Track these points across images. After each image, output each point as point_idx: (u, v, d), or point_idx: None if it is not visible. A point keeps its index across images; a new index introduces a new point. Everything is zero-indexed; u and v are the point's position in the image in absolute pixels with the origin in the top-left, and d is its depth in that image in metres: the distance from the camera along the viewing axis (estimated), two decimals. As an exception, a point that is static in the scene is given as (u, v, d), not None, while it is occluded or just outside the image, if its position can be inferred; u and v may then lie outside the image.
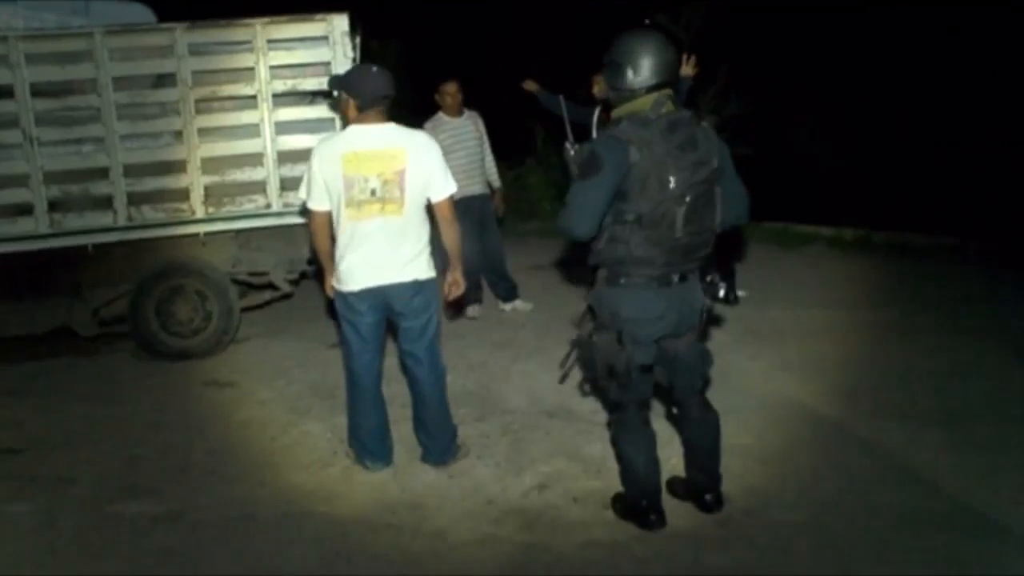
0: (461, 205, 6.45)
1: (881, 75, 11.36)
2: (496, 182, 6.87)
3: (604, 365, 3.37)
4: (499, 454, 4.37)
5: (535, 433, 4.59)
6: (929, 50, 10.99)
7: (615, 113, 3.33)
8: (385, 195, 3.83)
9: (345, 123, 4.00)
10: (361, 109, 3.84)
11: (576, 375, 4.72)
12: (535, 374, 5.46)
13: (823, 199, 10.48)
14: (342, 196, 3.82)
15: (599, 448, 4.33)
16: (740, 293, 3.54)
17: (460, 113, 6.54)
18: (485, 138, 6.70)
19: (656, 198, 3.14)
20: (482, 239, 6.60)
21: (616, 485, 3.76)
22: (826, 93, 11.36)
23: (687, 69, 5.20)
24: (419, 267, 4.01)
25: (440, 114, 6.52)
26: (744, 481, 3.95)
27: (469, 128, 6.54)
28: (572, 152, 3.33)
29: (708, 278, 3.43)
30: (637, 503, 3.60)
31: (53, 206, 5.71)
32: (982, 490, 3.86)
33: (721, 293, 3.42)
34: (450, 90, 6.45)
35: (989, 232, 8.86)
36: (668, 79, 3.25)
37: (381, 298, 3.98)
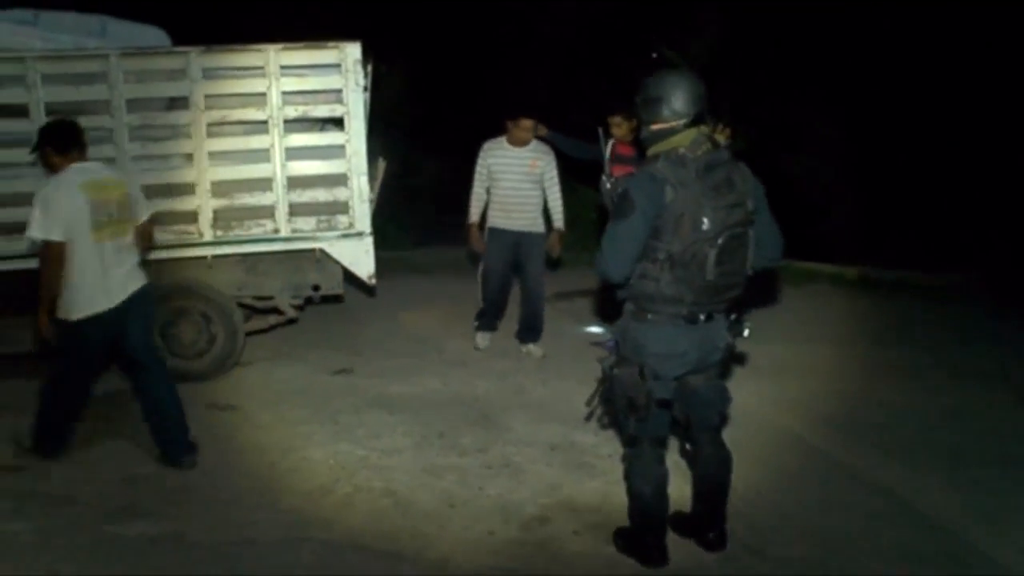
0: (496, 235, 6.33)
1: (887, 106, 11.42)
2: (558, 222, 6.50)
3: (624, 398, 3.37)
4: (501, 485, 4.36)
5: (537, 465, 4.59)
6: (937, 79, 11.07)
7: (652, 151, 3.33)
8: (120, 216, 4.48)
9: (50, 173, 4.58)
10: (64, 152, 4.45)
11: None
12: (539, 405, 5.46)
13: (826, 234, 10.53)
14: (88, 220, 4.31)
15: (601, 482, 4.33)
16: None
17: (525, 144, 6.30)
18: (548, 176, 6.37)
19: (688, 238, 3.14)
20: (520, 277, 6.52)
21: (618, 519, 3.75)
22: (831, 125, 11.43)
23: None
24: (141, 276, 4.63)
25: (502, 139, 6.34)
26: (746, 517, 3.94)
27: (525, 162, 6.30)
28: (608, 186, 3.37)
29: (733, 317, 3.43)
30: (641, 538, 3.59)
31: (61, 225, 5.72)
32: (984, 531, 3.86)
33: (746, 333, 3.42)
34: (525, 126, 6.26)
35: (991, 269, 8.92)
36: (700, 111, 3.25)
37: (119, 314, 4.44)
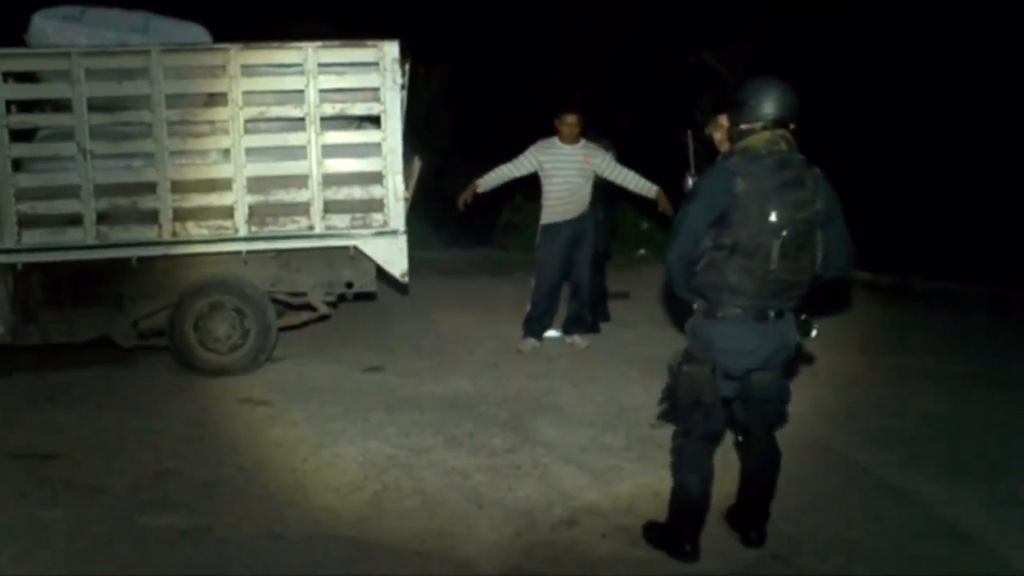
0: (553, 229, 6.51)
1: (925, 115, 11.30)
2: (651, 191, 6.47)
3: (691, 395, 3.43)
4: (529, 486, 4.34)
5: (567, 466, 4.56)
6: (975, 92, 10.94)
7: (735, 149, 3.43)
8: None
9: None
10: None
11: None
12: (569, 408, 5.44)
13: (861, 242, 10.42)
14: None
15: (630, 485, 4.30)
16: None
17: (575, 141, 6.48)
18: (609, 169, 6.49)
19: (755, 228, 3.22)
20: (571, 267, 6.65)
21: (647, 521, 3.74)
22: (867, 132, 11.33)
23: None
24: None
25: (554, 138, 6.51)
26: (775, 526, 3.88)
27: (576, 158, 6.45)
28: (691, 184, 3.53)
29: (803, 317, 3.46)
30: (676, 532, 3.59)
31: (101, 218, 5.80)
32: (1021, 548, 3.77)
33: (813, 333, 3.46)
34: (570, 122, 6.42)
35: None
36: (783, 117, 3.35)
37: None
